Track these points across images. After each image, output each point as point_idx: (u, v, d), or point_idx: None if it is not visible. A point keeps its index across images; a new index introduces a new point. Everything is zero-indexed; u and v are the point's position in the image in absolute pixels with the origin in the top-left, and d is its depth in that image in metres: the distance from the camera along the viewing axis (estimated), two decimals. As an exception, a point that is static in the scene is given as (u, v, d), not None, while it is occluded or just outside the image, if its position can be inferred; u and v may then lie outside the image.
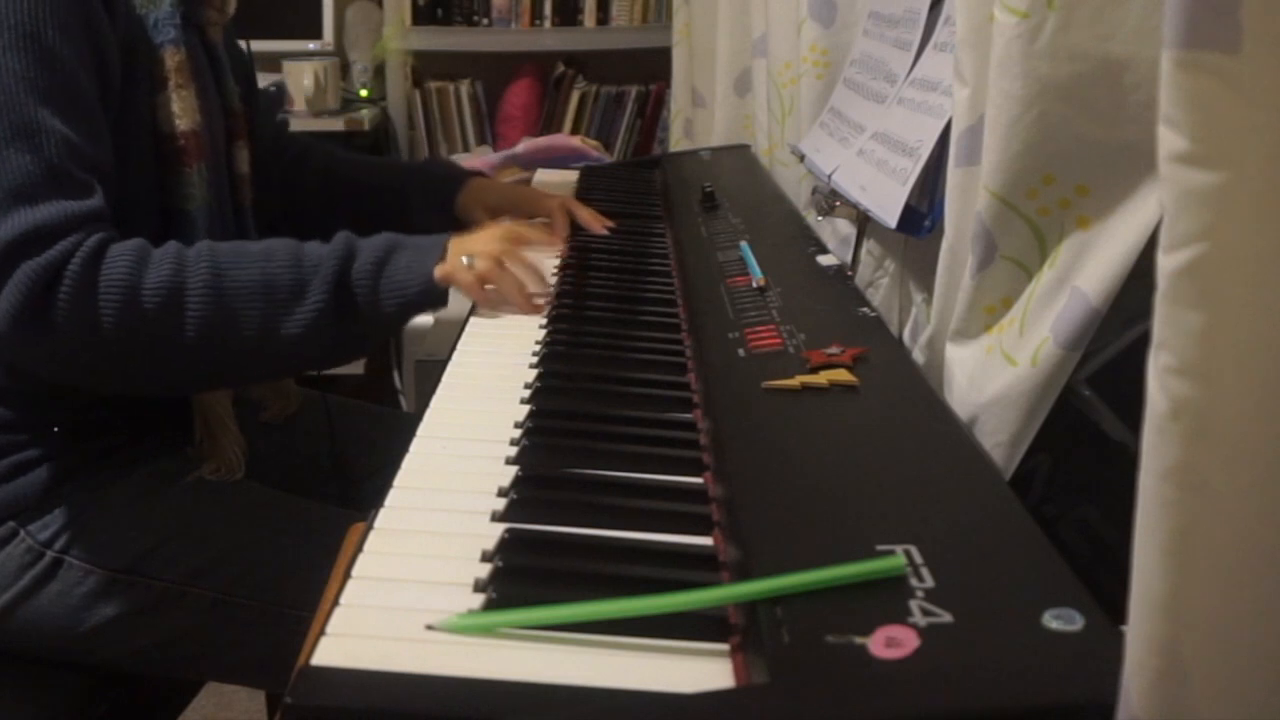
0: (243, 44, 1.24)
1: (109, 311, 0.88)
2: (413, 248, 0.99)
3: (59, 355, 0.90)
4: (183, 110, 1.01)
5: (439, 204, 1.32)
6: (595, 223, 1.29)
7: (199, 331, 0.91)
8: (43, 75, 0.88)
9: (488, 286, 1.02)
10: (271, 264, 0.94)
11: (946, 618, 0.49)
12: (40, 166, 0.87)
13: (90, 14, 0.92)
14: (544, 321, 1.02)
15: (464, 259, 0.99)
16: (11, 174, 0.87)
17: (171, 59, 1.00)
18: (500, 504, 0.68)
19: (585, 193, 1.49)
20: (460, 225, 1.28)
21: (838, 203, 1.11)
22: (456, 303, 1.03)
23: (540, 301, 1.05)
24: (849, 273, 1.07)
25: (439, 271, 0.97)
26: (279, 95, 2.32)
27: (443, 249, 0.99)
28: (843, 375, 0.77)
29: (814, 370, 0.78)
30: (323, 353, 0.99)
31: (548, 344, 0.96)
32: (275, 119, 1.38)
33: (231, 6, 1.12)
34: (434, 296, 0.98)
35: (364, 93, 2.53)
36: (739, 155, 1.62)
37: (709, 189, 1.30)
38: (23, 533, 0.97)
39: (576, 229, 1.28)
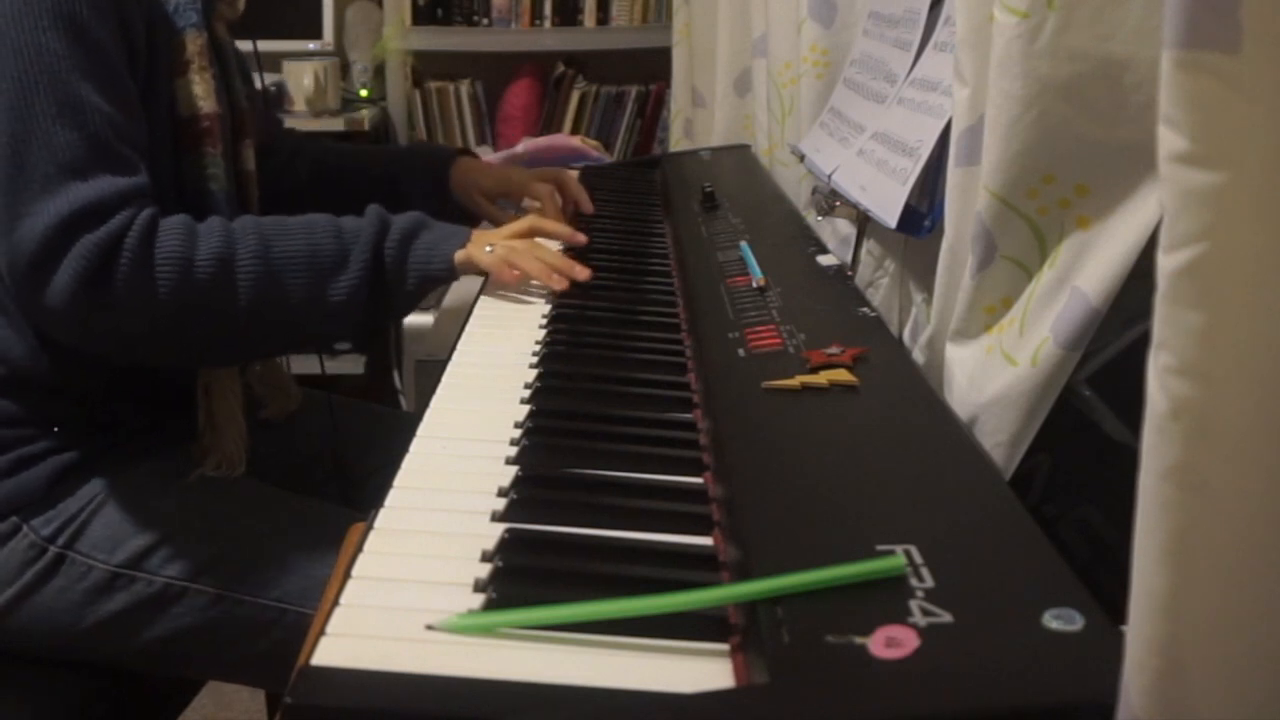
0: (247, 44, 1.24)
1: (166, 284, 0.91)
2: (439, 227, 1.05)
3: (117, 328, 0.93)
4: (204, 93, 1.03)
5: (430, 185, 1.34)
6: (584, 200, 1.34)
7: (250, 300, 0.95)
8: (82, 54, 0.90)
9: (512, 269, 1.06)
10: (315, 234, 0.99)
11: (946, 618, 0.49)
12: (88, 142, 0.90)
13: None
14: (544, 321, 1.02)
15: (486, 246, 1.05)
16: (61, 149, 0.89)
17: (194, 43, 1.02)
18: (500, 504, 0.68)
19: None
20: (454, 206, 1.32)
21: (838, 203, 1.11)
22: (456, 301, 1.04)
23: (563, 280, 1.07)
24: (849, 273, 1.07)
25: (459, 255, 1.03)
26: (275, 95, 2.32)
27: (467, 236, 1.05)
28: (843, 375, 0.77)
29: (814, 370, 0.78)
30: (358, 321, 1.02)
31: (548, 344, 0.96)
32: (272, 119, 1.38)
33: (241, 4, 1.13)
34: (452, 277, 1.04)
35: (364, 93, 2.53)
36: (739, 155, 1.62)
37: (709, 189, 1.30)
38: (25, 528, 0.98)
39: (582, 220, 1.30)
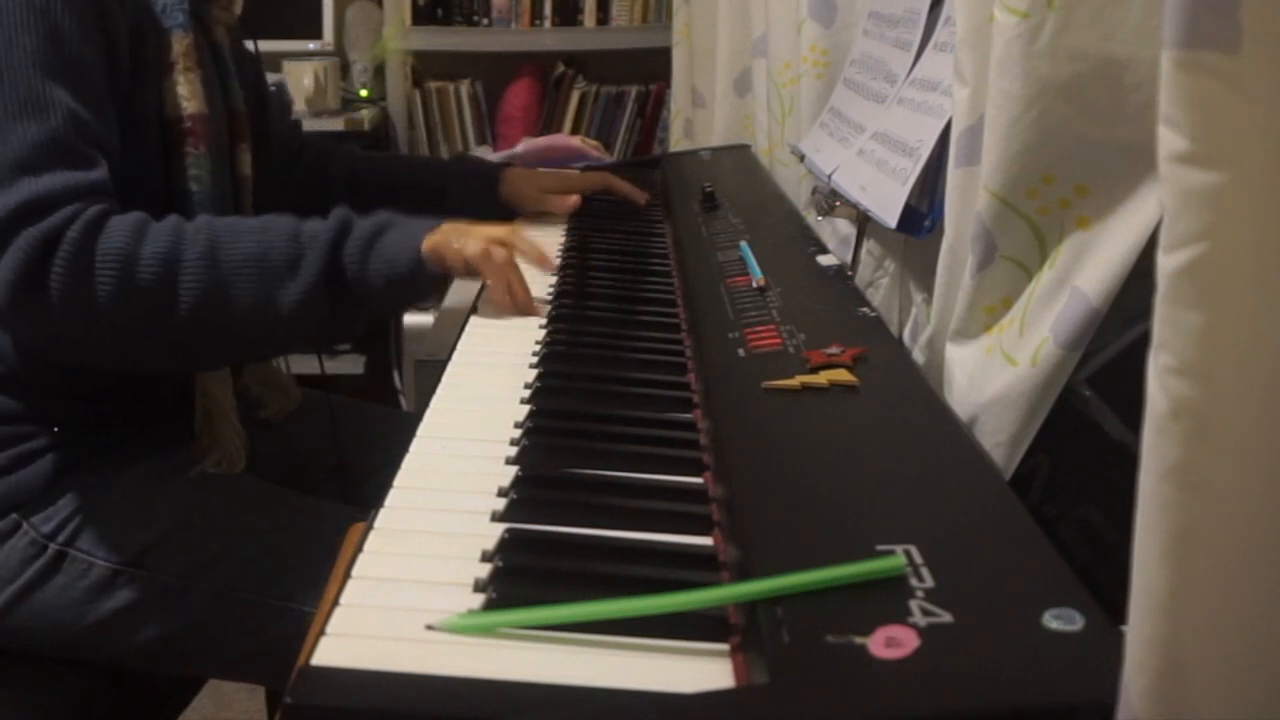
0: (249, 45, 1.24)
1: (104, 281, 0.88)
2: (404, 225, 0.99)
3: (54, 326, 0.90)
4: (189, 94, 1.02)
5: (480, 196, 1.33)
6: (636, 194, 1.38)
7: (194, 303, 0.91)
8: (51, 51, 0.90)
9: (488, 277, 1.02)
10: (269, 236, 0.94)
11: (946, 618, 0.49)
12: (45, 138, 0.89)
13: None
14: (544, 321, 1.02)
15: (454, 241, 0.99)
16: (16, 145, 0.88)
17: (179, 43, 1.01)
18: (500, 504, 0.68)
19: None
20: (509, 215, 1.32)
21: (838, 203, 1.11)
22: (457, 301, 1.03)
23: (531, 301, 1.04)
24: (849, 273, 1.07)
25: (427, 244, 0.97)
26: (289, 98, 2.32)
27: (434, 228, 0.99)
28: (843, 375, 0.77)
29: (814, 370, 0.78)
30: (317, 328, 0.97)
31: (548, 344, 0.96)
32: (288, 121, 1.38)
33: (238, 7, 1.13)
34: (422, 276, 0.97)
35: (364, 93, 2.53)
36: (739, 155, 1.62)
37: (709, 189, 1.30)
38: (26, 525, 0.98)
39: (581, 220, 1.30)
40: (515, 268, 1.04)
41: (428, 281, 0.99)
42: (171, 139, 1.01)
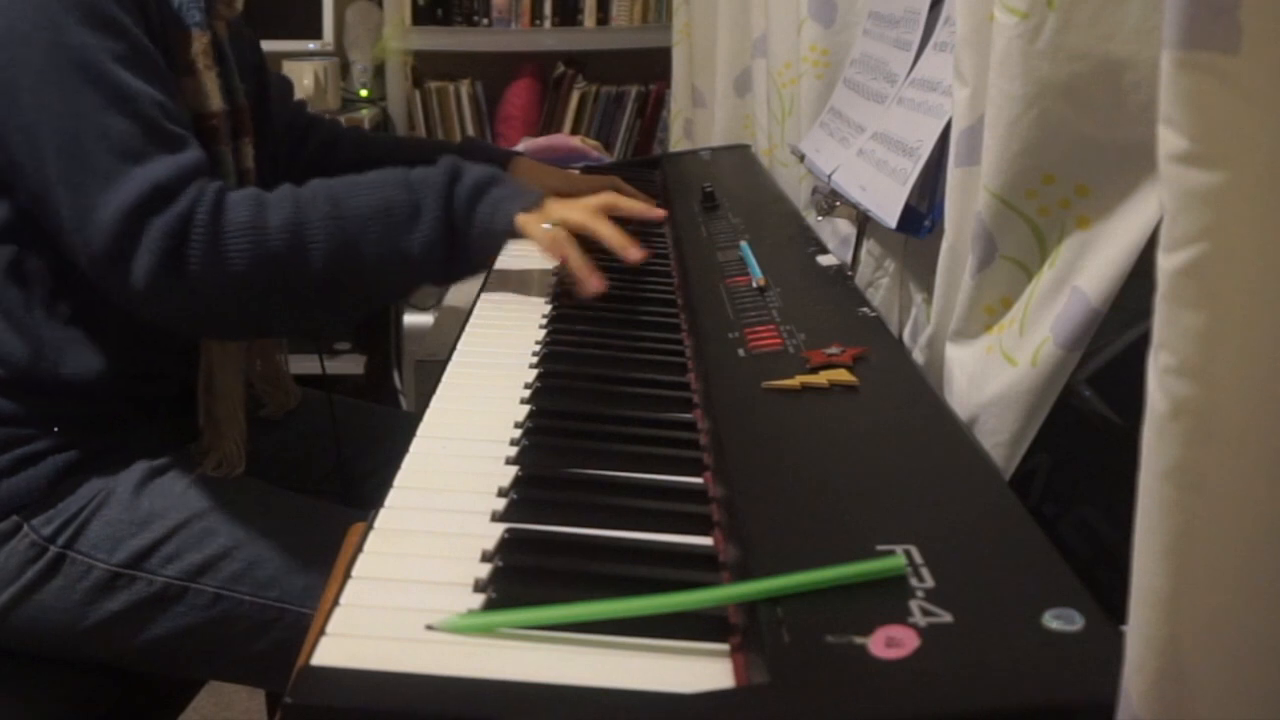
0: (249, 33, 1.24)
1: (239, 255, 0.92)
2: (512, 184, 1.04)
3: (199, 306, 0.94)
4: (213, 90, 1.04)
5: None
6: (646, 210, 1.31)
7: (328, 261, 0.95)
8: (113, 42, 0.91)
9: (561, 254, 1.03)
10: (385, 189, 0.98)
11: (946, 618, 0.49)
12: (140, 126, 0.91)
13: None
14: (544, 321, 1.02)
15: (546, 224, 1.02)
16: (116, 139, 0.90)
17: (199, 41, 1.03)
18: (500, 504, 0.68)
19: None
20: None
21: (838, 203, 1.11)
22: (457, 301, 1.03)
23: (592, 285, 1.03)
24: (849, 273, 1.07)
25: (521, 218, 1.01)
26: (291, 81, 2.32)
27: (538, 199, 1.03)
28: (843, 375, 0.77)
29: (814, 370, 0.78)
30: (438, 271, 1.02)
31: (548, 344, 0.96)
32: (291, 104, 1.38)
33: (239, 3, 1.13)
34: (510, 233, 1.02)
35: (364, 93, 2.53)
36: (739, 155, 1.61)
37: (709, 189, 1.30)
38: (26, 527, 0.98)
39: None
40: (573, 245, 1.04)
41: (501, 245, 1.03)
42: (202, 137, 1.01)
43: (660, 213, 1.14)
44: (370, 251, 0.96)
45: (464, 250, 1.01)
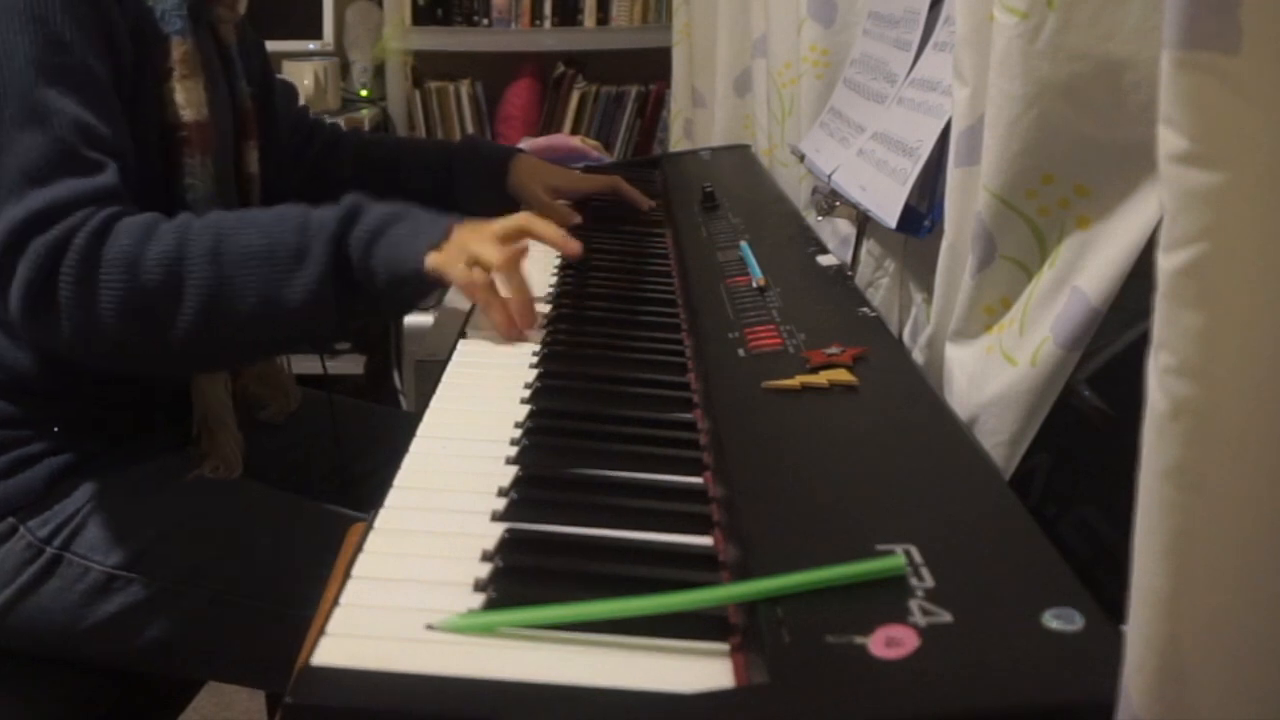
0: (255, 37, 1.24)
1: (109, 287, 0.88)
2: (415, 220, 0.95)
3: (66, 333, 0.89)
4: (187, 101, 1.01)
5: (488, 181, 1.31)
6: (642, 200, 1.35)
7: (200, 302, 0.89)
8: (51, 57, 0.89)
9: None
10: (277, 228, 0.92)
11: (946, 617, 0.49)
12: (50, 147, 0.88)
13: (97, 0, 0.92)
14: (544, 322, 1.02)
15: (462, 258, 0.94)
16: (22, 155, 0.88)
17: (177, 49, 1.01)
18: (500, 504, 0.68)
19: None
20: (514, 205, 1.29)
21: (838, 203, 1.11)
22: (456, 301, 1.02)
23: (523, 329, 0.97)
24: (849, 273, 1.07)
25: (430, 261, 0.92)
26: (295, 86, 2.33)
27: (445, 232, 0.94)
28: (843, 375, 0.77)
29: (814, 370, 0.78)
30: (327, 324, 0.94)
31: (548, 344, 0.96)
32: (295, 108, 1.37)
33: (242, 5, 1.13)
34: (424, 282, 0.94)
35: (364, 93, 2.53)
36: (739, 155, 1.61)
37: (709, 189, 1.30)
38: (22, 529, 0.97)
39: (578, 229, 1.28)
40: (518, 289, 0.97)
41: (430, 287, 0.95)
42: (170, 145, 1.00)
43: (575, 247, 1.02)
44: (246, 296, 0.90)
45: (368, 298, 0.94)
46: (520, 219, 1.00)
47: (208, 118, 1.03)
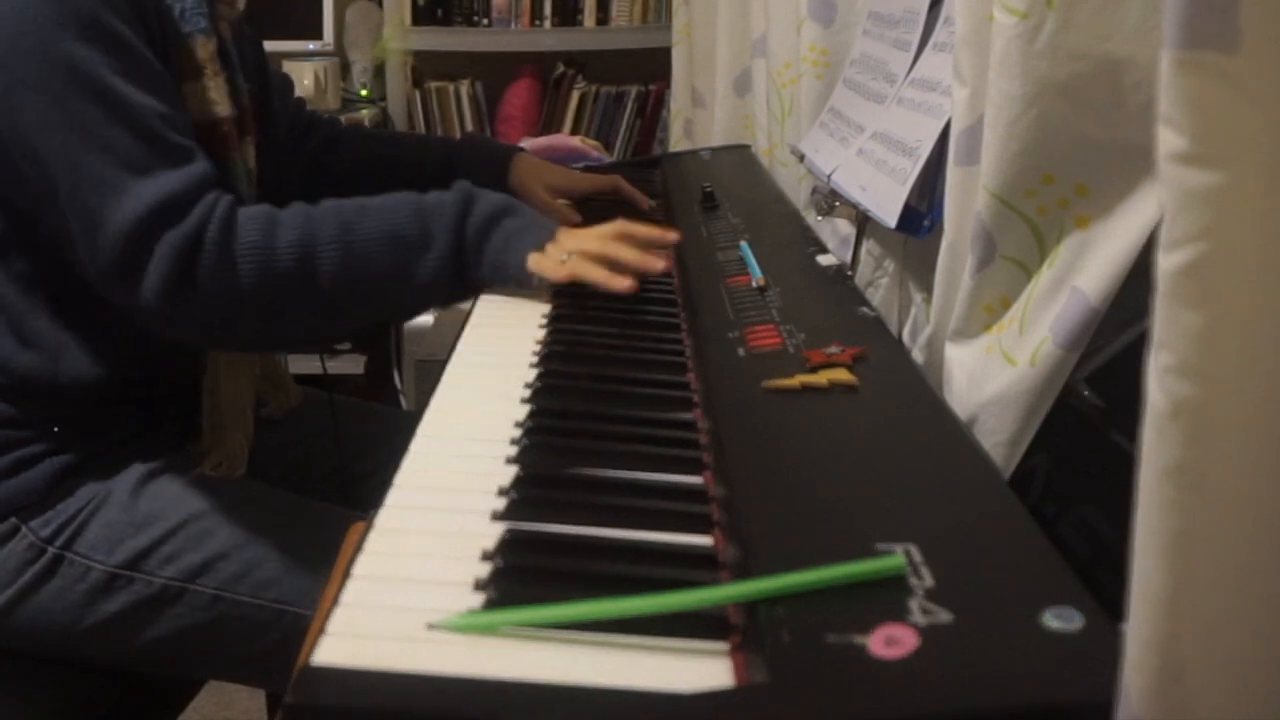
0: (250, 31, 1.24)
1: (248, 275, 0.92)
2: (523, 217, 1.03)
3: (207, 321, 0.95)
4: (220, 97, 1.03)
5: (489, 179, 1.32)
6: (642, 199, 1.37)
7: (334, 283, 0.95)
8: (117, 56, 0.91)
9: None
10: (397, 214, 0.99)
11: (946, 617, 0.49)
12: (144, 140, 0.91)
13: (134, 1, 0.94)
14: (544, 321, 1.02)
15: (563, 255, 1.01)
16: (120, 151, 0.90)
17: (204, 48, 1.02)
18: (500, 503, 0.68)
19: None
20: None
21: (838, 203, 1.11)
22: (456, 301, 1.03)
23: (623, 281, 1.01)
24: (849, 273, 1.07)
25: (532, 262, 1.00)
26: (291, 79, 2.33)
27: (550, 233, 1.02)
28: (843, 375, 0.77)
29: (814, 370, 0.78)
30: (444, 296, 1.04)
31: (548, 344, 0.96)
32: (291, 102, 1.38)
33: (241, 2, 1.13)
34: (524, 278, 1.01)
35: (364, 93, 2.53)
36: (739, 155, 1.61)
37: (709, 189, 1.30)
38: (24, 529, 0.98)
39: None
40: (624, 251, 1.03)
41: (527, 283, 1.02)
42: (206, 143, 1.01)
43: (674, 235, 1.10)
44: (378, 276, 0.97)
45: (473, 280, 1.02)
46: (619, 225, 1.07)
47: (235, 112, 1.05)
